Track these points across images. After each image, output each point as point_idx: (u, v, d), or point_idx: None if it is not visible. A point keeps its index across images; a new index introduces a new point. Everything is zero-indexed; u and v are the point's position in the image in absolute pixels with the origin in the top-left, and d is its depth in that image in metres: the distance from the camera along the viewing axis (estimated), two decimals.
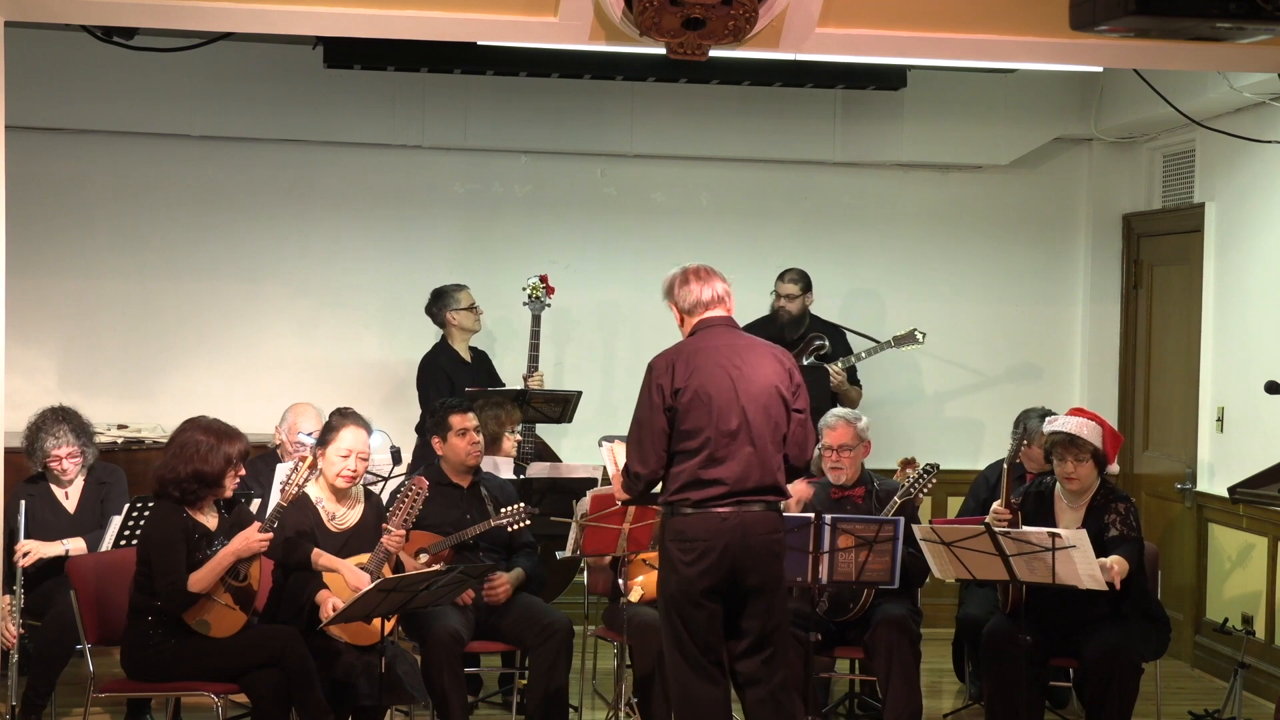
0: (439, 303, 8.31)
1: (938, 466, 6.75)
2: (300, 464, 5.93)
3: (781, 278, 8.45)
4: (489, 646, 6.72)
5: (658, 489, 5.68)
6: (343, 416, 6.27)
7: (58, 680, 6.47)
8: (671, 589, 5.55)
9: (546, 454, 8.11)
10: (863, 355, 8.35)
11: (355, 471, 6.21)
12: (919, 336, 8.31)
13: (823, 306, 8.76)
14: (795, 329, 8.32)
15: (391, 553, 6.14)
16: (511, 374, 8.41)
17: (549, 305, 8.26)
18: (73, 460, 6.78)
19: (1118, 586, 6.14)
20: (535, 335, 8.18)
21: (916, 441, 8.61)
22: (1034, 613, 6.28)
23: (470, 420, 6.76)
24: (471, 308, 8.26)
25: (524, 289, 8.22)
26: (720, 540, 5.47)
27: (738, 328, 5.76)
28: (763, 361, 5.61)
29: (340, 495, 6.27)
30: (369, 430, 6.30)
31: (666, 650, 5.63)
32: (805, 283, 8.42)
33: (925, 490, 6.74)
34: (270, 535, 5.80)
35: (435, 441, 6.76)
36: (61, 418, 6.79)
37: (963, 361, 9.34)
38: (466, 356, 8.28)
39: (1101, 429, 6.45)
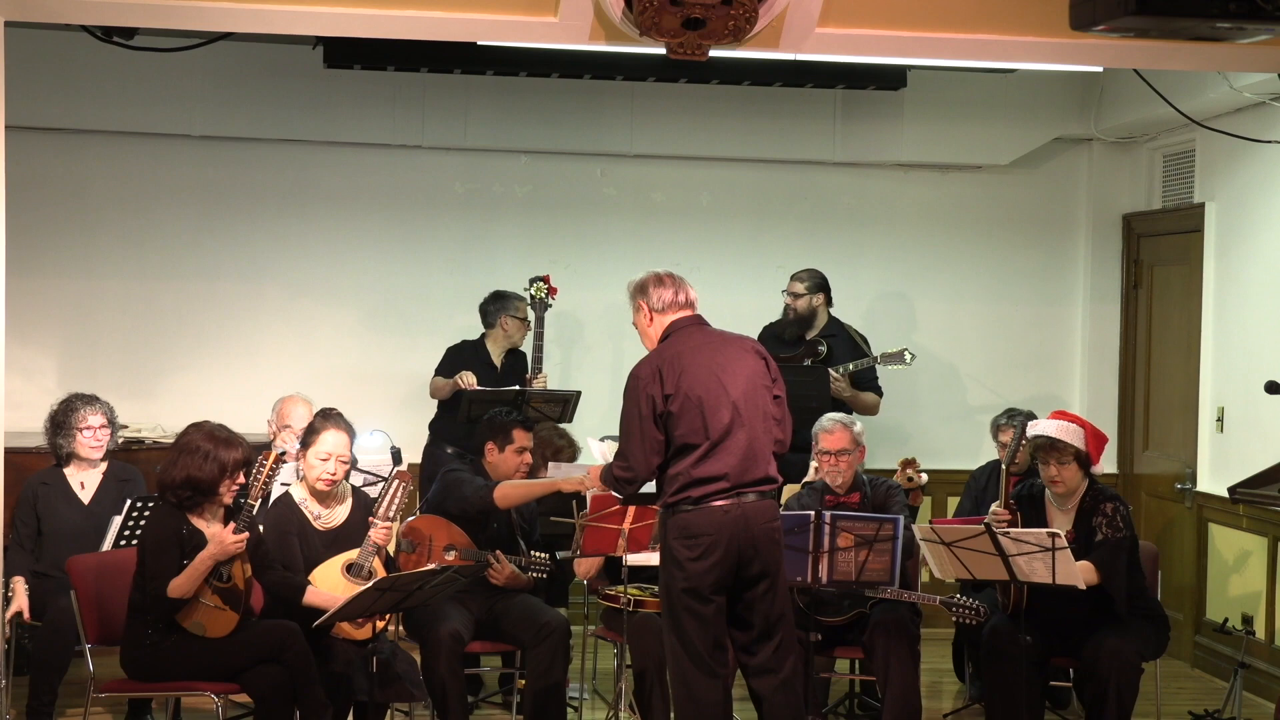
0: (498, 303, 8.23)
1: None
2: (264, 461, 5.85)
3: (792, 276, 8.34)
4: (489, 646, 6.72)
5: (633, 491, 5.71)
6: (324, 419, 6.24)
7: (60, 684, 6.45)
8: (679, 586, 5.56)
9: None
10: (850, 367, 8.13)
11: (334, 474, 6.19)
12: (907, 358, 8.17)
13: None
14: (798, 329, 8.18)
15: (381, 546, 6.14)
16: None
17: (551, 306, 8.24)
18: (104, 432, 6.78)
19: (1081, 587, 6.13)
20: (539, 337, 8.12)
21: (916, 441, 8.61)
22: (1034, 613, 6.28)
23: (530, 440, 6.79)
24: (525, 320, 8.20)
25: (526, 290, 8.21)
26: (725, 533, 5.53)
27: (707, 324, 5.80)
28: (741, 355, 5.70)
29: (322, 496, 6.26)
30: (351, 433, 6.26)
31: (670, 649, 5.63)
32: (813, 283, 8.27)
33: None
34: (246, 536, 5.75)
35: (490, 447, 6.76)
36: (94, 398, 6.85)
37: (962, 361, 9.34)
38: (497, 361, 8.21)
39: (1083, 430, 6.42)
